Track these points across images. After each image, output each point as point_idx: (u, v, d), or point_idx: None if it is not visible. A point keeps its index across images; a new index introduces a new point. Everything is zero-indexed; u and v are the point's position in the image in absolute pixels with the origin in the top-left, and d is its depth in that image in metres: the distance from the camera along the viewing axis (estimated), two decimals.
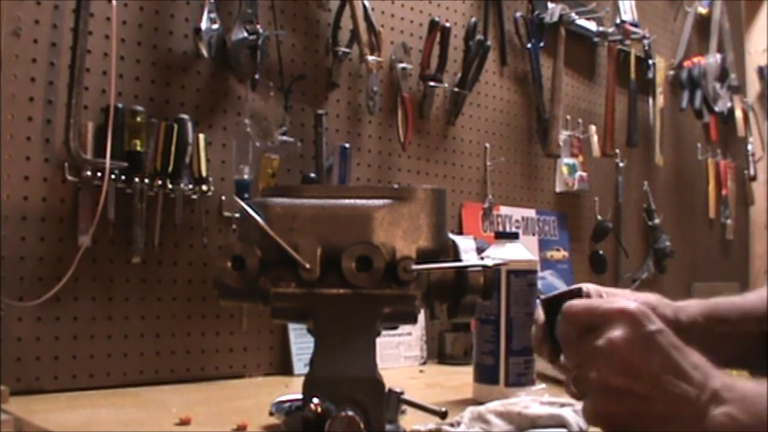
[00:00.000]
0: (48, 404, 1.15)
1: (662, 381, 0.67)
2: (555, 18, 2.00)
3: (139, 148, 1.29)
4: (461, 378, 1.34)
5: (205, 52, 1.36)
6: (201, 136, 1.38)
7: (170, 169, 1.32)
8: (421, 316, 1.20)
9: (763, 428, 0.64)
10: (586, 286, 1.03)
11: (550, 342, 0.85)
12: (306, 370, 0.84)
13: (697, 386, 0.67)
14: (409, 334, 1.61)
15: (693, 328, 0.97)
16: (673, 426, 0.67)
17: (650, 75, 2.36)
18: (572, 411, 0.97)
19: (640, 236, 2.38)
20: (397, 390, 0.91)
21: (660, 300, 1.00)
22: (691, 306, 1.00)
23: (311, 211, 0.87)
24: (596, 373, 0.69)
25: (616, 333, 0.69)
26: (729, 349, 0.93)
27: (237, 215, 1.37)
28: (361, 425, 0.78)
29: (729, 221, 2.76)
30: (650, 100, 2.40)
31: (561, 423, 0.94)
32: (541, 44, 2.01)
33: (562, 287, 2.00)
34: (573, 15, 2.06)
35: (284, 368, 1.48)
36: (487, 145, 1.92)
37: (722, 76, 2.67)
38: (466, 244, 0.91)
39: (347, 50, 1.60)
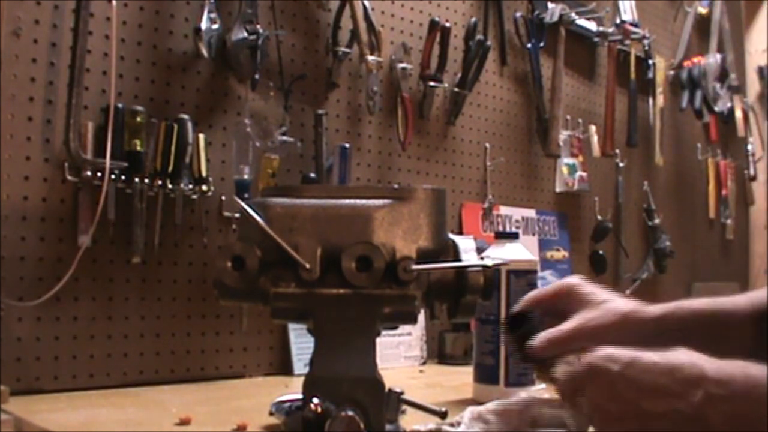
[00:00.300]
0: (48, 404, 1.15)
1: (647, 407, 0.69)
2: (555, 18, 2.00)
3: (139, 148, 1.29)
4: (461, 378, 1.35)
5: (205, 52, 1.36)
6: (201, 136, 1.38)
7: (170, 169, 1.32)
8: (421, 316, 1.20)
9: (764, 413, 0.64)
10: (569, 282, 0.99)
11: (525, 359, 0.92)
12: (306, 370, 0.84)
13: (682, 396, 0.68)
14: (409, 334, 1.61)
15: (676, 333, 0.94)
16: None
17: (650, 75, 2.36)
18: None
19: (640, 236, 2.38)
20: (397, 390, 0.91)
21: (635, 311, 0.95)
22: (678, 311, 0.97)
23: (311, 211, 0.87)
24: (598, 428, 0.75)
25: (592, 392, 0.74)
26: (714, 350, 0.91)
27: (237, 215, 1.37)
28: (361, 425, 0.78)
29: (729, 221, 2.76)
30: (650, 100, 2.40)
31: (561, 423, 0.94)
32: (541, 44, 2.01)
33: None
34: (573, 15, 2.06)
35: (284, 368, 1.48)
36: (487, 145, 1.92)
37: (722, 76, 2.67)
38: (466, 244, 0.91)
39: (347, 50, 1.60)
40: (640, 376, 0.70)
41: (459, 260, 0.89)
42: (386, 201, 0.88)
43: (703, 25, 2.70)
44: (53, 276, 1.22)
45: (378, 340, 0.87)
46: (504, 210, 1.94)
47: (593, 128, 2.17)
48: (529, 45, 1.99)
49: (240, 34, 1.41)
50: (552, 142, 2.01)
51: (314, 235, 0.86)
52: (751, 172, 2.85)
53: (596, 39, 2.21)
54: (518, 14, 1.97)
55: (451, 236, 0.93)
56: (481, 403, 1.03)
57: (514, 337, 0.94)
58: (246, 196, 1.39)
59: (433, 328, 1.68)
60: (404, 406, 0.94)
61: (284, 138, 1.47)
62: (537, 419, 0.94)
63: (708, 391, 0.67)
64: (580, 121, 2.14)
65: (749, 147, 2.84)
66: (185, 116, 1.35)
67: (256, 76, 1.44)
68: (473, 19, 1.82)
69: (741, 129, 2.79)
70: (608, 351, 0.74)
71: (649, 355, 0.71)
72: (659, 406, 0.68)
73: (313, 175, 1.52)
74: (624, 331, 0.92)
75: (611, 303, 0.94)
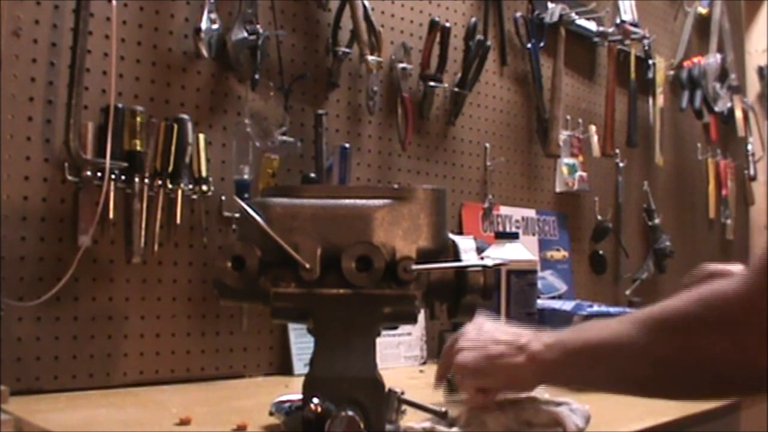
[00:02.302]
0: (48, 404, 1.15)
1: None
2: (555, 18, 2.00)
3: (139, 148, 1.29)
4: None
5: (205, 52, 1.36)
6: (201, 136, 1.38)
7: (170, 169, 1.32)
8: (421, 316, 1.20)
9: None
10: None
11: None
12: (306, 370, 0.84)
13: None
14: (409, 334, 1.61)
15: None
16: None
17: (650, 75, 2.36)
18: (568, 410, 0.97)
19: (640, 236, 2.38)
20: (397, 390, 0.91)
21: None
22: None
23: (311, 211, 0.87)
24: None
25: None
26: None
27: (237, 215, 1.37)
28: (361, 425, 0.78)
29: (729, 221, 2.76)
30: (650, 100, 2.40)
31: (557, 422, 0.94)
32: (541, 44, 2.01)
33: (561, 287, 2.01)
34: (573, 15, 2.06)
35: (284, 368, 1.48)
36: (487, 145, 1.92)
37: (722, 76, 2.67)
38: (466, 244, 0.91)
39: (347, 50, 1.60)
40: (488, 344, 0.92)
41: (459, 260, 0.89)
42: (386, 201, 0.88)
43: (703, 25, 2.70)
44: (53, 276, 1.21)
45: (378, 340, 0.87)
46: (504, 210, 1.94)
47: (593, 128, 2.17)
48: (529, 45, 1.99)
49: (240, 34, 1.41)
50: (552, 142, 2.01)
51: (314, 235, 0.86)
52: (751, 172, 2.85)
53: (596, 39, 2.21)
54: (518, 14, 1.97)
55: (451, 236, 0.93)
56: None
57: None
58: (246, 196, 1.39)
59: (433, 328, 1.68)
60: (404, 406, 0.94)
61: (284, 138, 1.47)
62: (533, 419, 0.94)
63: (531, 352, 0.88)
64: (580, 121, 2.14)
65: (749, 147, 2.84)
66: (185, 116, 1.35)
67: (256, 76, 1.44)
68: (473, 19, 1.82)
69: (741, 129, 2.79)
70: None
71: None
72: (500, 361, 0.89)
73: (313, 175, 1.52)
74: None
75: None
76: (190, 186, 1.36)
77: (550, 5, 2.01)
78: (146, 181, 1.30)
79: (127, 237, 1.29)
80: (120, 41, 1.31)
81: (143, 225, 1.30)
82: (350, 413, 0.78)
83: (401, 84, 1.70)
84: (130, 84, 1.33)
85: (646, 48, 2.33)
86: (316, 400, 0.78)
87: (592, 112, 2.22)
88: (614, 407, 1.20)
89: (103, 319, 1.28)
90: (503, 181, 1.96)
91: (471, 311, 0.92)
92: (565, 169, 2.09)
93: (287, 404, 1.00)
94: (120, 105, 1.28)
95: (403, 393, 0.92)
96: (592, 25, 2.18)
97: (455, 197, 1.84)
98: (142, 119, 1.30)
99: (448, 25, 1.74)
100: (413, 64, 1.73)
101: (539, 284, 1.27)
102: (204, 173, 1.37)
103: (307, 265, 0.85)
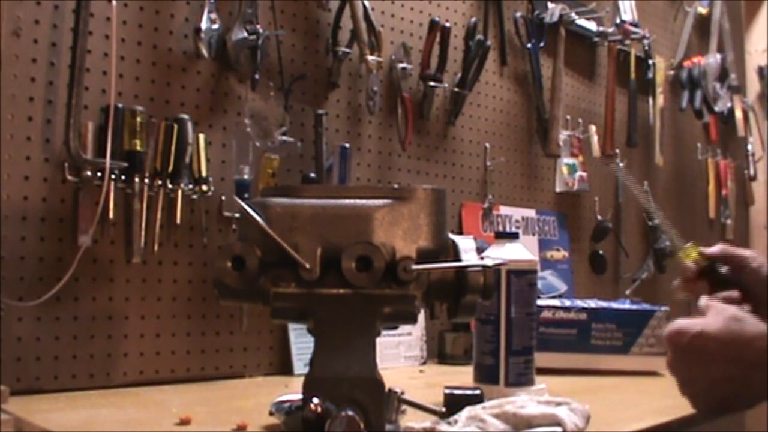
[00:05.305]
0: (48, 404, 1.15)
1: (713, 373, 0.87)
2: (555, 18, 2.01)
3: (139, 148, 1.29)
4: (461, 378, 1.34)
5: (205, 52, 1.36)
6: (201, 136, 1.38)
7: (170, 169, 1.33)
8: (421, 316, 1.20)
9: None
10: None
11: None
12: (306, 370, 0.84)
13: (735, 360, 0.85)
14: (409, 334, 1.61)
15: None
16: None
17: (650, 75, 2.37)
18: (567, 410, 0.97)
19: (640, 236, 2.38)
20: (397, 390, 0.91)
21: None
22: None
23: (311, 211, 0.87)
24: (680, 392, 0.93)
25: (669, 359, 0.91)
26: None
27: (237, 215, 1.37)
28: (361, 425, 0.78)
29: (729, 221, 2.76)
30: (650, 100, 2.40)
31: (556, 422, 0.94)
32: (541, 44, 2.01)
33: (561, 287, 2.01)
34: (573, 15, 2.06)
35: (284, 368, 1.48)
36: (487, 145, 1.92)
37: (722, 76, 2.67)
38: (466, 244, 0.91)
39: (347, 50, 1.60)
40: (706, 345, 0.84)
41: (459, 260, 0.90)
42: (386, 201, 0.88)
43: (703, 25, 2.70)
44: (53, 276, 1.22)
45: (378, 340, 0.87)
46: (504, 210, 1.94)
47: (593, 128, 2.17)
48: (529, 45, 1.99)
49: (240, 34, 1.42)
50: (552, 142, 2.01)
51: (314, 235, 0.86)
52: (751, 172, 2.85)
53: (596, 39, 2.21)
54: (518, 14, 1.97)
55: (451, 236, 0.93)
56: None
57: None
58: (246, 196, 1.39)
59: (433, 328, 1.68)
60: (404, 406, 0.94)
61: (284, 138, 1.47)
62: (533, 419, 0.94)
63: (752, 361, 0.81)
64: (580, 121, 2.14)
65: (749, 147, 2.85)
66: (185, 116, 1.35)
67: (256, 76, 1.44)
68: (473, 19, 1.82)
69: (741, 129, 2.79)
70: (678, 324, 0.87)
71: (714, 325, 0.84)
72: (721, 371, 0.83)
73: (313, 175, 1.52)
74: None
75: None
76: (190, 186, 1.36)
77: (550, 5, 2.01)
78: (146, 181, 1.30)
79: (127, 237, 1.30)
80: (120, 41, 1.31)
81: (143, 225, 1.30)
82: (350, 413, 0.78)
83: (401, 84, 1.70)
84: (130, 84, 1.33)
85: (646, 48, 2.33)
86: (316, 400, 0.78)
87: (592, 112, 2.22)
88: (614, 407, 1.20)
89: (103, 319, 1.28)
90: (503, 181, 1.96)
91: (471, 311, 0.92)
92: (565, 169, 2.09)
93: (287, 404, 1.00)
94: (120, 105, 1.28)
95: (403, 393, 0.92)
96: (592, 25, 2.18)
97: (455, 197, 1.84)
98: (142, 119, 1.30)
99: (448, 25, 1.74)
100: (413, 64, 1.73)
101: (539, 284, 1.27)
102: (204, 173, 1.37)
103: (307, 265, 0.85)
